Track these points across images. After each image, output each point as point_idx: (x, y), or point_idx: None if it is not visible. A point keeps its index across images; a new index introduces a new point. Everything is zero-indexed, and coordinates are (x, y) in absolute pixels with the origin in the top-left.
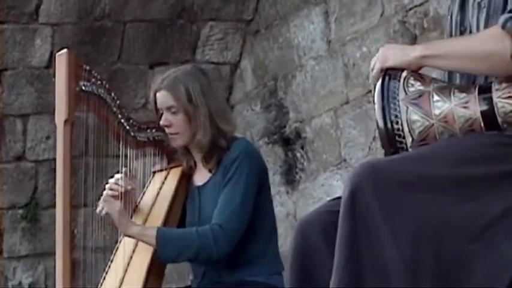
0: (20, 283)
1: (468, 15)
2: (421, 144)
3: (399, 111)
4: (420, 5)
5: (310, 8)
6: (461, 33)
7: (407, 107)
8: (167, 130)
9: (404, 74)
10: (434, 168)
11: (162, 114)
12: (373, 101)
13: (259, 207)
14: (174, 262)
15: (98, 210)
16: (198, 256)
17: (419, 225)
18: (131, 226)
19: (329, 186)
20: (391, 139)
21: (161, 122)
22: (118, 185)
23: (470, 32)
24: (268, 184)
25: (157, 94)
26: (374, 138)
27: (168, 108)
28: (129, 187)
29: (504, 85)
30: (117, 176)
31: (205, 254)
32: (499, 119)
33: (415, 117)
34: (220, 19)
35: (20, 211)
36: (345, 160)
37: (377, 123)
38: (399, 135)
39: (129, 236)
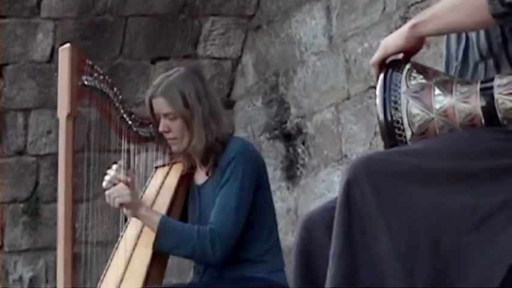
0: (20, 277)
1: None
2: (421, 137)
3: (400, 104)
4: (422, 1)
5: (312, 4)
6: None
7: (408, 100)
8: (166, 136)
9: (407, 66)
10: (432, 161)
11: (159, 118)
12: (376, 92)
13: (258, 205)
14: (168, 253)
15: (111, 203)
16: (193, 254)
17: (415, 216)
18: (140, 208)
19: (330, 182)
20: (390, 131)
21: (160, 128)
22: (117, 177)
23: None
24: (267, 182)
25: (153, 100)
26: (375, 134)
27: (166, 115)
28: (129, 179)
29: (505, 81)
30: (114, 167)
31: (199, 254)
32: (500, 115)
33: (415, 110)
34: (222, 14)
35: (21, 205)
36: (346, 156)
37: (377, 115)
38: (399, 128)
39: (135, 217)
